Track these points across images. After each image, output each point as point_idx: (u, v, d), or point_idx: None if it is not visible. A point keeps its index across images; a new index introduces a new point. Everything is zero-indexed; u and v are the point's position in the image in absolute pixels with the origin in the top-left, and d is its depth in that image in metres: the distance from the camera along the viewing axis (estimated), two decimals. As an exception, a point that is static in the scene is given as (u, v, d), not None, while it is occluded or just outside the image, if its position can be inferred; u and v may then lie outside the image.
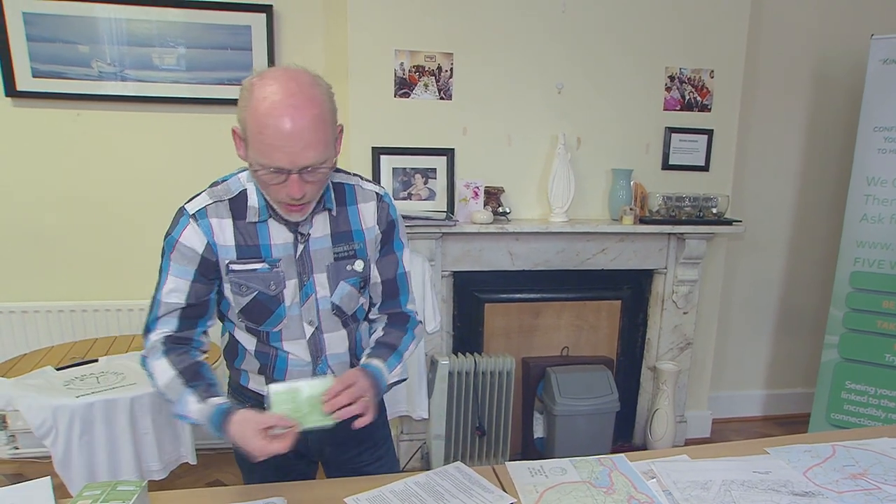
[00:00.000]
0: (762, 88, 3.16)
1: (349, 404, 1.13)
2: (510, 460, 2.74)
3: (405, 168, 2.74)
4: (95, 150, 2.68)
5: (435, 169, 2.77)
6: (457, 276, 2.83)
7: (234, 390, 1.40)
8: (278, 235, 1.23)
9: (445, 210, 2.75)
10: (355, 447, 1.45)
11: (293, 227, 1.24)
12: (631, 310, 3.06)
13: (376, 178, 2.69)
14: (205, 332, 1.29)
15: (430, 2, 2.62)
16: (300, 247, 1.25)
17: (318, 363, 1.32)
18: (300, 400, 1.13)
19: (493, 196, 2.79)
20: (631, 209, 2.82)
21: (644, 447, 3.06)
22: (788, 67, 3.18)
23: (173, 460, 2.11)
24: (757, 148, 3.22)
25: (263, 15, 2.70)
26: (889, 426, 1.65)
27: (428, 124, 2.72)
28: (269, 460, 1.34)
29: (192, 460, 2.13)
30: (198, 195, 1.23)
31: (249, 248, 1.22)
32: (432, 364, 2.67)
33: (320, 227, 1.27)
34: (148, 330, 1.24)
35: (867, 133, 2.83)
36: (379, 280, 1.38)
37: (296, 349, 1.29)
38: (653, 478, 1.35)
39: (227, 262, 1.21)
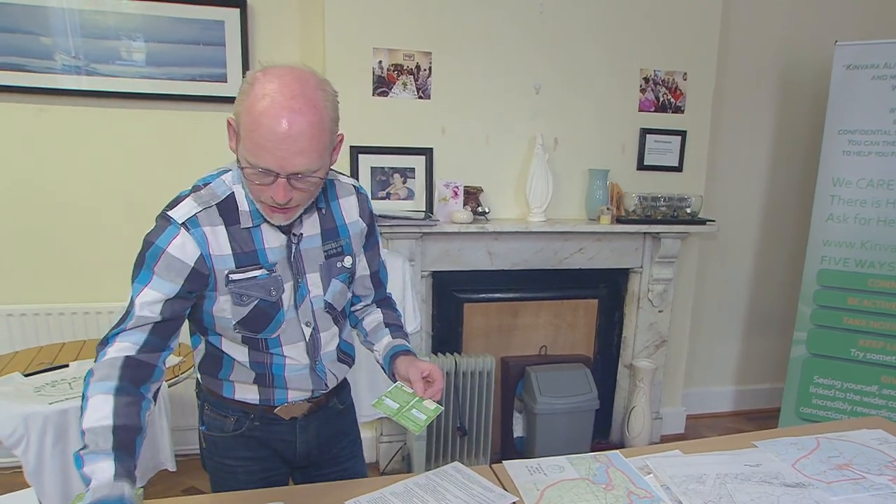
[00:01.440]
0: (732, 92, 3.25)
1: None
2: (490, 460, 2.78)
3: (384, 167, 2.73)
4: (60, 147, 2.59)
5: (413, 168, 2.77)
6: (436, 276, 2.83)
7: (213, 403, 1.33)
8: (272, 239, 1.19)
9: (424, 210, 2.75)
10: (337, 444, 1.45)
11: (285, 228, 1.19)
12: (607, 308, 3.11)
13: (354, 178, 2.67)
14: (166, 359, 1.16)
15: (408, 0, 2.62)
16: (293, 248, 1.22)
17: (315, 363, 1.31)
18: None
19: (471, 196, 2.80)
20: (608, 209, 2.87)
21: (621, 444, 3.11)
22: (757, 72, 3.28)
23: (151, 468, 2.06)
24: (727, 149, 3.32)
25: (237, 10, 2.65)
26: (867, 418, 1.72)
27: (406, 123, 2.72)
28: (251, 467, 1.34)
29: (172, 467, 2.08)
30: (180, 200, 1.13)
31: (247, 255, 1.16)
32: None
33: (310, 227, 1.24)
34: (106, 342, 1.08)
35: (832, 136, 2.93)
36: (368, 272, 1.42)
37: (294, 352, 1.27)
38: (649, 473, 1.38)
39: (225, 272, 1.14)
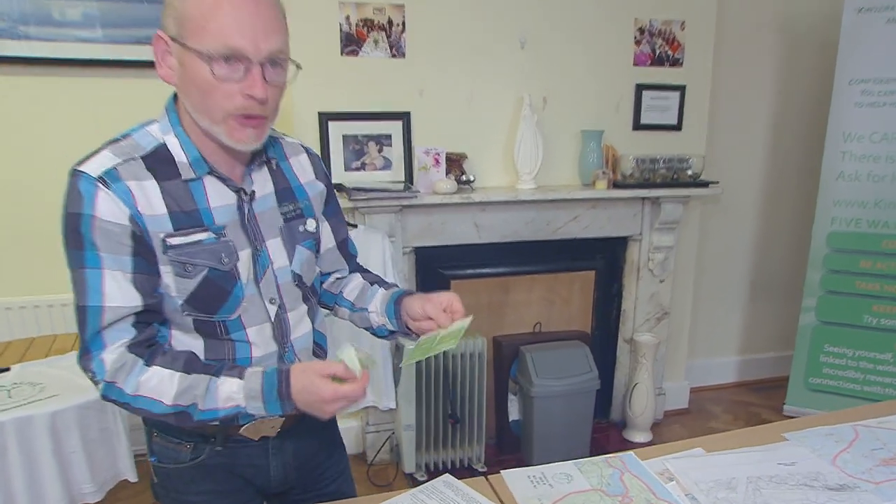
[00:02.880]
0: (732, 41, 3.03)
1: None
2: (486, 447, 2.62)
3: (357, 135, 2.50)
4: (-9, 122, 2.33)
5: (390, 135, 2.54)
6: (419, 252, 2.63)
7: (162, 427, 1.09)
8: (218, 196, 1.02)
9: (403, 180, 2.54)
10: (320, 464, 1.25)
11: (233, 185, 1.03)
12: (605, 280, 2.93)
13: (325, 147, 2.45)
14: (160, 332, 1.04)
15: (379, -55, 2.36)
16: (246, 208, 1.05)
17: (284, 351, 1.11)
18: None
19: (454, 163, 2.58)
20: (604, 173, 2.66)
21: (623, 423, 2.96)
22: (759, 18, 3.06)
23: (110, 479, 1.86)
24: (728, 105, 3.10)
25: (186, -38, 2.38)
26: (904, 399, 1.56)
27: (380, 85, 2.48)
28: (217, 502, 1.13)
29: (133, 477, 1.89)
30: (94, 154, 0.96)
31: (187, 214, 0.98)
32: (397, 349, 2.48)
33: (262, 185, 1.09)
34: (90, 349, 0.96)
35: (843, 87, 2.74)
36: (334, 243, 1.26)
37: (260, 336, 1.07)
38: (670, 479, 1.20)
39: (161, 236, 0.96)
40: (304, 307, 1.15)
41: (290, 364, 0.99)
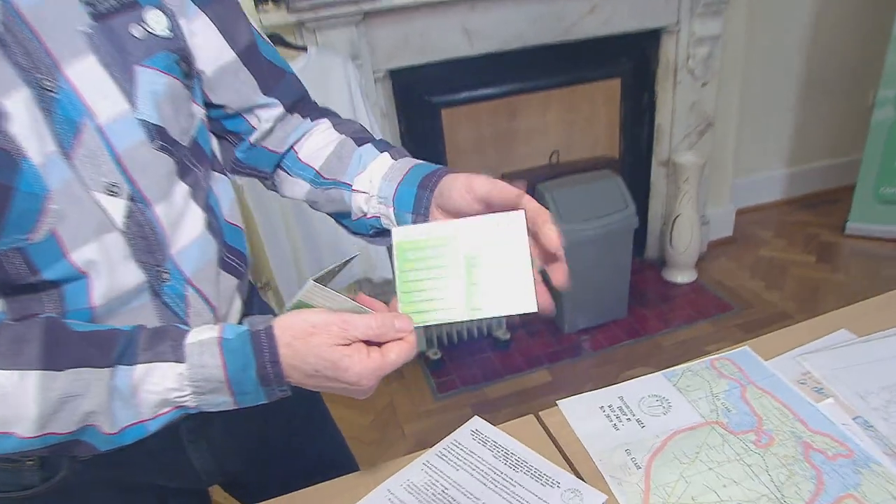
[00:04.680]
0: None
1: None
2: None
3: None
4: None
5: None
6: (395, 75, 2.08)
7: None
8: None
9: (363, -23, 1.93)
10: (277, 432, 0.84)
11: None
12: (633, 90, 2.40)
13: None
14: None
15: None
16: None
17: (161, 279, 0.62)
18: None
19: (427, -55, 1.95)
20: (631, -60, 2.04)
21: (663, 262, 2.59)
22: None
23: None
24: None
25: None
26: None
27: None
28: None
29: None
30: None
31: None
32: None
33: None
34: None
35: None
36: (233, 54, 0.68)
37: (103, 261, 0.57)
38: (817, 389, 0.81)
39: None
40: (183, 187, 0.64)
41: (267, 319, 0.55)
